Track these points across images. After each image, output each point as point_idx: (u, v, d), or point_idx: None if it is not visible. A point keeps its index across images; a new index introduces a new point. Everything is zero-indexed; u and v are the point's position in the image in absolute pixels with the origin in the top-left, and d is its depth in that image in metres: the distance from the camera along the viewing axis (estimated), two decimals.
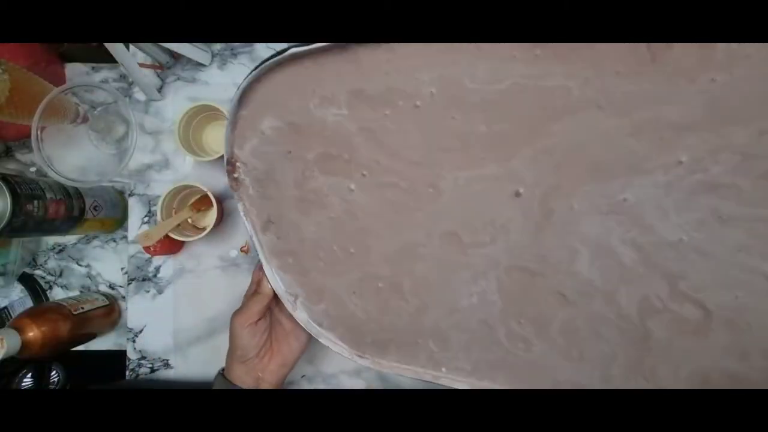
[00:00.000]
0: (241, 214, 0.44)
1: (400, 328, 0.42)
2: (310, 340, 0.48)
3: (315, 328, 0.46)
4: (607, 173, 0.29)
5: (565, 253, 0.33)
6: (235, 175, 0.42)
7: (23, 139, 0.63)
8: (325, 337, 0.46)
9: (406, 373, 0.43)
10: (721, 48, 0.26)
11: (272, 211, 0.43)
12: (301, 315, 0.46)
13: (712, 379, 0.31)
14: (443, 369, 0.42)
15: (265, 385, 0.47)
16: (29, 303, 0.63)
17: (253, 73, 0.36)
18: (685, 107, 0.27)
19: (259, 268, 0.46)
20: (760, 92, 0.25)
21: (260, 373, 0.46)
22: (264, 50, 0.59)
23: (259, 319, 0.45)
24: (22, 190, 0.47)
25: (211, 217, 0.54)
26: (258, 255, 0.46)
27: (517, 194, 0.33)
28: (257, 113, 0.38)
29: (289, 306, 0.45)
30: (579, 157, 0.30)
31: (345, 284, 0.43)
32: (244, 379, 0.46)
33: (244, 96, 0.38)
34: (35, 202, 0.48)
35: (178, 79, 0.59)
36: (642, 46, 0.27)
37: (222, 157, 0.53)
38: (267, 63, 0.35)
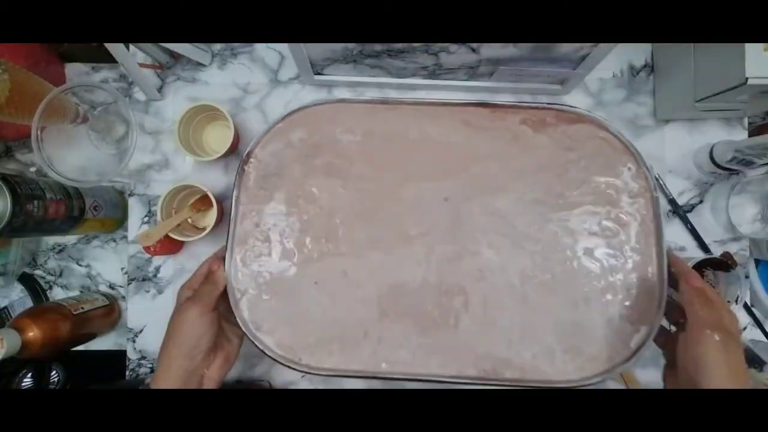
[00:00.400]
0: (232, 200, 0.50)
1: (349, 319, 0.49)
2: (244, 338, 0.48)
3: (251, 330, 0.48)
4: (493, 190, 0.51)
5: (474, 240, 0.50)
6: (245, 167, 0.51)
7: (23, 139, 0.63)
8: (260, 341, 0.48)
9: (345, 374, 0.48)
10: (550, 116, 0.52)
11: (262, 202, 0.51)
12: (242, 314, 0.48)
13: (563, 324, 0.49)
14: (384, 365, 0.48)
15: (209, 384, 0.44)
16: (29, 303, 0.63)
17: (308, 104, 0.52)
18: (523, 159, 0.52)
19: (215, 259, 0.47)
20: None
21: (206, 370, 0.44)
22: (264, 50, 0.59)
23: (213, 310, 0.44)
24: (22, 190, 0.47)
25: (211, 217, 0.54)
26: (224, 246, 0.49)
27: (446, 199, 0.51)
28: (292, 127, 0.52)
29: (232, 301, 0.48)
30: (480, 182, 0.51)
31: (311, 273, 0.50)
32: (188, 378, 0.43)
33: (288, 114, 0.52)
34: (35, 202, 0.48)
35: (178, 79, 0.59)
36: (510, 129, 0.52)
37: (221, 157, 0.53)
38: (319, 100, 0.52)
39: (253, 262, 0.50)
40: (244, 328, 0.47)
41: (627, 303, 0.48)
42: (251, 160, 0.51)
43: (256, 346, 0.48)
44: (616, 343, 0.48)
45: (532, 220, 0.50)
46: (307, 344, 0.49)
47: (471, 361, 0.48)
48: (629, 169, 0.51)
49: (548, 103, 0.52)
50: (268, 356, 0.48)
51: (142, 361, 0.59)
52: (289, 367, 0.48)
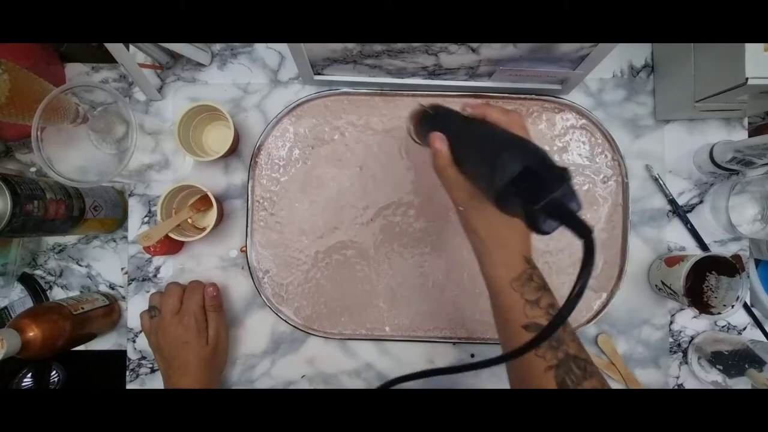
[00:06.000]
0: (247, 190, 0.57)
1: (358, 293, 0.57)
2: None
3: (274, 304, 0.57)
4: None
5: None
6: (257, 159, 0.57)
7: (23, 139, 0.63)
8: (282, 313, 0.57)
9: (354, 337, 0.57)
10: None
11: (274, 190, 0.57)
12: (266, 291, 0.57)
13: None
14: (387, 328, 0.57)
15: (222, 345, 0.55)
16: (29, 303, 0.63)
17: (309, 96, 0.57)
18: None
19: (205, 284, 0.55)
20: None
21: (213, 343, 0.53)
22: (264, 50, 0.59)
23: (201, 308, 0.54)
24: (22, 190, 0.47)
25: (211, 217, 0.54)
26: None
27: (440, 185, 0.55)
28: (299, 119, 0.58)
29: (256, 281, 0.56)
30: None
31: (322, 253, 0.57)
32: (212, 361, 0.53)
33: (294, 106, 0.57)
34: (35, 202, 0.48)
35: (178, 79, 0.59)
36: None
37: (221, 157, 0.53)
38: (321, 92, 0.57)
39: (270, 245, 0.57)
40: (268, 304, 0.56)
41: (593, 275, 0.55)
42: (262, 152, 0.57)
43: (280, 317, 0.56)
44: (581, 307, 0.55)
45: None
46: (321, 314, 0.57)
47: (460, 324, 0.57)
48: (605, 155, 0.57)
49: (536, 94, 0.57)
50: (291, 325, 0.56)
51: (143, 361, 0.59)
52: (308, 333, 0.57)
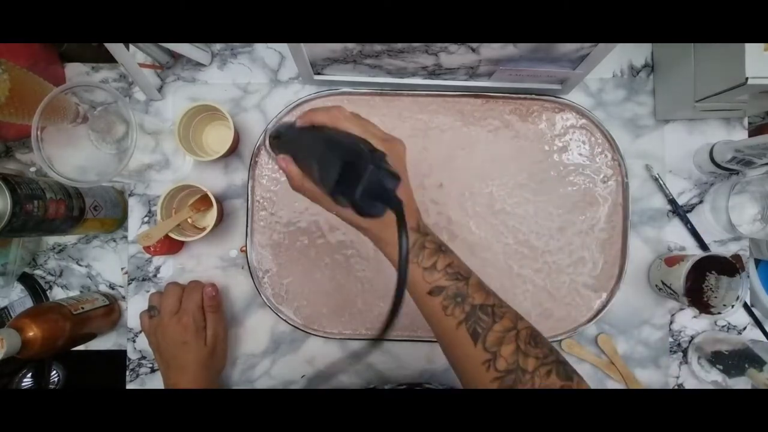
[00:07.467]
0: (248, 190, 0.57)
1: (358, 292, 0.57)
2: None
3: (274, 304, 0.57)
4: (483, 175, 0.58)
5: (465, 222, 0.57)
6: (257, 159, 0.57)
7: (23, 139, 0.63)
8: (282, 313, 0.57)
9: (354, 337, 0.57)
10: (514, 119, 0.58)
11: (274, 190, 0.57)
12: (266, 291, 0.57)
13: (538, 291, 0.57)
14: None
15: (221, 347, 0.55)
16: (29, 303, 0.63)
17: (308, 96, 0.57)
18: (510, 147, 0.58)
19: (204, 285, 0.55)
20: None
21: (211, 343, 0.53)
22: (264, 50, 0.59)
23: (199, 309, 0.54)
24: (22, 190, 0.47)
25: (211, 217, 0.54)
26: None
27: (441, 186, 0.57)
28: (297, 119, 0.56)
29: (256, 281, 0.56)
30: (471, 168, 0.57)
31: (322, 255, 0.57)
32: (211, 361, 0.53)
33: (293, 106, 0.57)
34: (35, 202, 0.48)
35: (178, 79, 0.59)
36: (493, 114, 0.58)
37: (221, 157, 0.53)
38: (321, 92, 0.57)
39: (270, 245, 0.57)
40: (267, 304, 0.56)
41: (593, 274, 0.56)
42: (262, 152, 0.57)
43: (280, 316, 0.56)
44: (581, 307, 0.56)
45: (516, 202, 0.57)
46: (321, 314, 0.57)
47: None
48: (605, 155, 0.57)
49: (536, 94, 0.57)
50: (291, 324, 0.56)
51: (142, 361, 0.59)
52: (308, 333, 0.57)
